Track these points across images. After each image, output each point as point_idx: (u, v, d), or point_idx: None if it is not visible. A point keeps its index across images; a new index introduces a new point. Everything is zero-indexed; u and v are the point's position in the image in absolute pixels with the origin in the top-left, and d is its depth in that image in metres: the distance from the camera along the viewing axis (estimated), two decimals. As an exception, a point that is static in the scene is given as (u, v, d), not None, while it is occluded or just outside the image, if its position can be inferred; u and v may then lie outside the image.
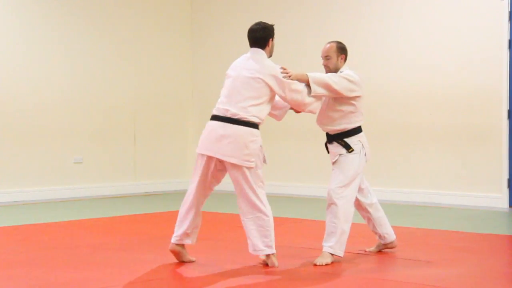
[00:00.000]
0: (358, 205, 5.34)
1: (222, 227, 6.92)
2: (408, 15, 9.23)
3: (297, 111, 5.26)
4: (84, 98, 9.94)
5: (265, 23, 5.01)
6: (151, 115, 10.73)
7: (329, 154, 5.33)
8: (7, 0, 9.27)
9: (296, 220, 7.39)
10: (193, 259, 5.06)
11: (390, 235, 5.45)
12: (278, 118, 5.27)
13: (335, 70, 5.21)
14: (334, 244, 5.02)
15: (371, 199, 5.38)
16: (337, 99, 5.13)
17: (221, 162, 4.89)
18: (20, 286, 4.41)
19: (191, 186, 4.99)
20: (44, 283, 4.46)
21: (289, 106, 5.20)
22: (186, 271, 4.83)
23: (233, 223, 7.07)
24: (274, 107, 5.13)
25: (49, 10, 9.63)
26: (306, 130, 9.56)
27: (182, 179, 10.97)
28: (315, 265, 4.96)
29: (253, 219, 4.85)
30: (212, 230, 6.58)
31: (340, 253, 5.05)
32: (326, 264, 4.96)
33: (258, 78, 4.86)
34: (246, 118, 4.82)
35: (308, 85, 5.00)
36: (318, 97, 5.08)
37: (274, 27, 5.07)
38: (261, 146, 4.91)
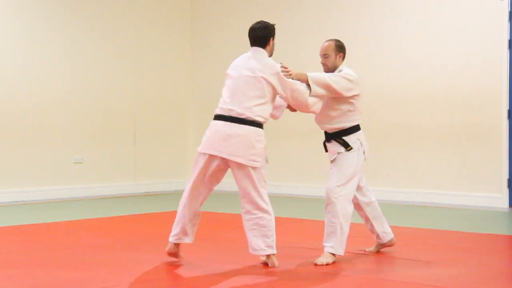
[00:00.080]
0: (356, 204, 5.33)
1: (222, 227, 6.92)
2: (408, 15, 9.23)
3: (292, 110, 5.26)
4: (84, 98, 9.94)
5: (266, 22, 5.01)
6: (151, 115, 10.73)
7: (327, 153, 5.33)
8: (7, 0, 9.27)
9: (296, 220, 7.38)
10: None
11: (388, 234, 5.44)
12: (276, 117, 5.26)
13: (334, 68, 5.21)
14: (334, 244, 5.02)
15: (369, 197, 5.37)
16: (335, 97, 5.13)
17: (225, 161, 4.88)
18: (20, 286, 4.41)
19: (188, 185, 5.00)
20: (44, 283, 4.46)
21: (286, 105, 5.20)
22: (186, 271, 4.82)
23: (233, 223, 7.07)
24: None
25: (49, 10, 9.63)
26: (306, 130, 9.55)
27: (182, 179, 10.96)
28: (316, 264, 4.96)
29: (255, 218, 4.85)
30: (212, 230, 6.57)
31: (341, 252, 5.05)
32: (326, 264, 4.96)
33: (261, 77, 4.86)
34: (251, 118, 4.82)
35: (308, 85, 5.00)
36: (320, 97, 5.07)
37: (275, 26, 5.06)
38: (265, 146, 4.91)
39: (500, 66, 8.51)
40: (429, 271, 4.81)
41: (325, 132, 5.28)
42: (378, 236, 5.43)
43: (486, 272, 4.84)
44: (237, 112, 4.82)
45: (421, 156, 9.09)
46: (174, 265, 4.96)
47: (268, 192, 4.98)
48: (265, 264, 4.92)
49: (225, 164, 4.89)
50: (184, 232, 4.99)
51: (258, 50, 4.96)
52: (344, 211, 5.06)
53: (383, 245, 5.47)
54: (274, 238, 4.88)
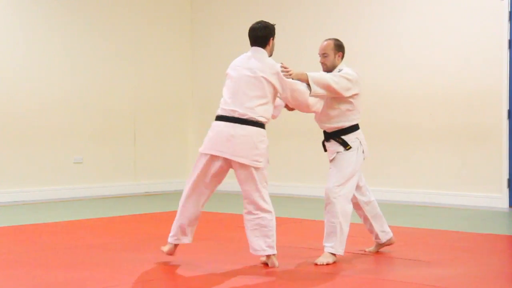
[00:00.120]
0: (356, 203, 5.32)
1: (222, 227, 6.92)
2: (408, 15, 9.23)
3: (290, 109, 5.26)
4: (84, 98, 9.94)
5: (266, 22, 5.01)
6: (151, 115, 10.73)
7: (326, 153, 5.32)
8: (7, 0, 9.27)
9: (296, 220, 7.38)
10: None
11: (387, 233, 5.44)
12: (274, 116, 5.26)
13: (332, 67, 5.20)
14: (334, 244, 5.02)
15: (368, 197, 5.37)
16: (335, 97, 5.12)
17: (227, 162, 4.87)
18: (20, 286, 4.41)
19: (187, 186, 4.99)
20: (44, 283, 4.46)
21: (284, 104, 5.20)
22: (186, 271, 4.82)
23: (233, 223, 7.07)
24: None
25: (49, 10, 9.63)
26: (306, 130, 9.55)
27: (182, 179, 10.96)
28: (316, 264, 4.96)
29: (257, 219, 4.85)
30: (212, 230, 6.57)
31: (341, 252, 5.05)
32: (327, 264, 4.96)
33: (262, 77, 4.85)
34: (254, 118, 4.83)
35: (308, 85, 4.99)
36: (320, 97, 5.07)
37: (275, 26, 5.06)
38: (267, 146, 4.92)
39: (500, 66, 8.51)
40: (429, 271, 4.81)
41: (324, 132, 5.28)
42: (376, 236, 5.43)
43: (486, 272, 4.84)
44: (239, 112, 4.82)
45: (421, 156, 9.09)
46: (174, 265, 4.96)
47: (268, 192, 4.98)
48: (265, 264, 4.92)
49: (228, 164, 4.89)
50: (183, 233, 5.00)
51: (258, 50, 4.96)
52: (344, 211, 5.06)
53: (382, 245, 5.47)
54: (274, 238, 4.88)
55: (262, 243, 4.84)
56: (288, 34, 9.94)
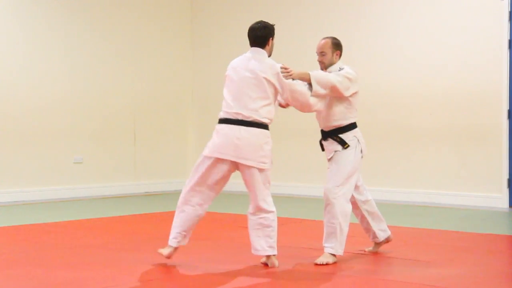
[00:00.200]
0: (353, 202, 5.29)
1: (222, 227, 6.92)
2: (408, 15, 9.24)
3: (283, 106, 5.25)
4: (84, 98, 9.94)
5: (265, 22, 5.00)
6: (151, 115, 10.73)
7: (324, 152, 5.31)
8: (7, 0, 9.27)
9: (296, 220, 7.39)
10: None
11: (385, 231, 5.43)
12: None
13: (330, 66, 5.20)
14: (334, 245, 5.02)
15: (366, 196, 5.36)
16: (334, 96, 5.10)
17: (234, 164, 4.87)
18: (20, 286, 4.41)
19: (186, 189, 4.96)
20: (44, 283, 4.46)
21: (278, 102, 5.19)
22: (186, 271, 4.82)
23: (233, 223, 7.07)
24: None
25: (49, 10, 9.63)
26: (306, 130, 9.55)
27: (182, 179, 10.96)
28: (316, 264, 4.96)
29: (259, 219, 4.87)
30: (212, 230, 6.57)
31: (340, 252, 5.05)
32: (327, 263, 4.96)
33: (263, 78, 4.84)
34: (258, 120, 4.83)
35: (310, 84, 4.98)
36: (321, 97, 5.05)
37: (275, 26, 5.05)
38: (271, 147, 4.93)
39: (500, 66, 8.51)
40: (429, 271, 4.81)
41: (322, 130, 5.27)
42: (374, 235, 5.41)
43: (486, 272, 4.83)
44: (243, 115, 4.81)
45: (421, 156, 9.09)
46: (174, 265, 4.96)
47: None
48: (265, 265, 4.92)
49: (234, 167, 4.89)
50: (185, 236, 4.97)
51: (258, 50, 4.94)
52: (343, 212, 5.05)
53: (381, 243, 5.46)
54: (276, 238, 4.90)
55: (263, 243, 4.85)
56: (288, 34, 9.94)
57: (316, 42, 5.29)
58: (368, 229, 5.42)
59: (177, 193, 10.60)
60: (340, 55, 5.24)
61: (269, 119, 4.89)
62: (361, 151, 5.18)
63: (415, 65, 9.12)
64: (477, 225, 7.11)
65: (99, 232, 6.65)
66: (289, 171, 10.08)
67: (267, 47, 4.98)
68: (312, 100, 5.00)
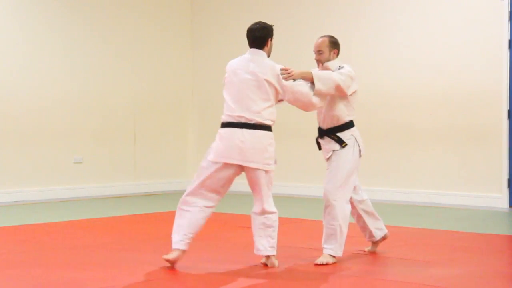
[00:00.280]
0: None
1: (222, 227, 6.92)
2: (408, 15, 9.24)
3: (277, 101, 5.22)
4: (84, 98, 9.95)
5: (264, 22, 4.98)
6: (151, 115, 10.73)
7: (321, 151, 5.30)
8: (7, 0, 9.27)
9: (296, 220, 7.38)
10: None
11: (381, 229, 5.42)
12: None
13: (326, 62, 5.18)
14: (334, 246, 5.01)
15: (361, 196, 5.35)
16: (333, 94, 5.08)
17: (239, 167, 4.87)
18: (20, 286, 4.41)
19: (189, 191, 4.91)
20: (44, 283, 4.46)
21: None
22: (186, 271, 4.82)
23: (233, 223, 7.07)
24: None
25: (49, 10, 9.63)
26: (306, 130, 9.54)
27: (182, 179, 10.97)
28: (316, 264, 4.96)
29: (263, 219, 4.89)
30: (212, 230, 6.57)
31: (340, 253, 5.05)
32: (326, 263, 4.96)
33: (264, 79, 4.83)
34: (262, 122, 4.82)
35: (312, 83, 4.96)
36: (324, 95, 5.02)
37: (274, 27, 5.05)
38: (274, 148, 4.93)
39: (500, 66, 8.51)
40: (429, 271, 4.81)
41: (319, 128, 5.25)
42: (370, 234, 5.40)
43: (486, 272, 4.83)
44: (246, 118, 4.80)
45: (421, 156, 9.09)
46: (174, 265, 4.95)
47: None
48: (265, 265, 4.92)
49: (240, 169, 4.89)
50: (192, 238, 4.94)
51: (258, 52, 4.92)
52: (343, 213, 5.04)
53: (378, 242, 5.46)
54: (276, 239, 4.92)
55: (265, 242, 4.87)
56: (288, 34, 9.94)
57: (317, 42, 5.28)
58: (364, 228, 5.40)
59: (177, 193, 10.59)
60: (338, 54, 5.23)
61: (271, 120, 4.90)
62: (359, 150, 5.17)
63: (415, 65, 9.12)
64: (477, 225, 7.10)
65: (99, 232, 6.65)
66: (289, 171, 10.08)
67: (266, 48, 4.96)
68: (315, 99, 4.97)
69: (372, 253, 5.45)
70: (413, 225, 7.03)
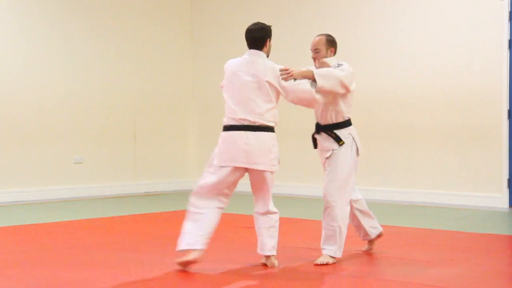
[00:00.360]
0: None
1: (222, 227, 6.89)
2: (408, 15, 9.24)
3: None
4: (84, 98, 9.95)
5: (263, 23, 4.97)
6: (151, 115, 10.74)
7: (317, 151, 5.28)
8: (7, 1, 9.27)
9: (296, 220, 7.38)
10: None
11: (376, 228, 5.41)
12: None
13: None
14: (334, 247, 5.01)
15: (356, 195, 5.34)
16: (333, 92, 5.06)
17: (245, 169, 4.86)
18: (20, 286, 4.41)
19: (199, 194, 4.86)
20: (44, 283, 4.46)
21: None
22: (186, 271, 4.82)
23: (233, 223, 7.06)
24: None
25: (49, 10, 9.63)
26: (306, 130, 9.52)
27: (182, 179, 10.97)
28: (316, 264, 4.96)
29: (267, 219, 4.91)
30: (212, 230, 6.56)
31: (339, 254, 5.05)
32: (326, 263, 4.96)
33: (266, 81, 4.83)
34: (265, 124, 4.83)
35: (313, 81, 4.94)
36: (326, 92, 4.99)
37: (273, 27, 5.04)
38: (277, 148, 4.93)
39: (500, 66, 8.51)
40: (429, 271, 4.81)
41: (317, 124, 5.24)
42: (365, 233, 5.39)
43: (486, 272, 4.83)
44: (249, 120, 4.80)
45: (421, 156, 9.09)
46: (174, 265, 4.95)
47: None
48: (265, 265, 4.92)
49: (245, 172, 4.88)
50: (209, 238, 4.88)
51: (257, 53, 4.90)
52: (343, 214, 5.04)
53: (373, 241, 5.45)
54: (277, 239, 4.93)
55: (268, 242, 4.88)
56: (288, 34, 9.94)
57: (316, 42, 5.27)
58: (359, 227, 5.39)
59: (177, 193, 10.61)
60: (335, 52, 5.21)
61: (274, 122, 4.91)
62: (357, 149, 5.15)
63: (415, 65, 9.12)
64: (477, 225, 7.10)
65: (99, 232, 6.65)
66: (289, 171, 10.08)
67: (265, 49, 4.94)
68: (318, 96, 4.95)
69: (368, 253, 5.42)
70: (413, 225, 7.03)
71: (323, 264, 4.95)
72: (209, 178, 4.85)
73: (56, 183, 9.66)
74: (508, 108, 8.49)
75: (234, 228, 6.69)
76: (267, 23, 5.03)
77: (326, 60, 5.13)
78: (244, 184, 5.07)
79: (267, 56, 4.97)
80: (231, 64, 4.96)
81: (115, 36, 10.32)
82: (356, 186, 5.40)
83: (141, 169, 10.60)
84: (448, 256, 5.36)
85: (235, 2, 10.86)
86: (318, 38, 5.20)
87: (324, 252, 5.03)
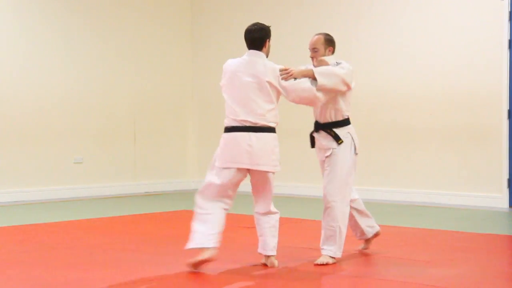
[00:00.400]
0: None
1: (222, 227, 6.91)
2: (408, 15, 9.23)
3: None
4: (84, 98, 9.95)
5: (262, 23, 4.96)
6: (151, 115, 10.73)
7: (315, 150, 5.28)
8: (7, 1, 9.27)
9: (296, 220, 7.38)
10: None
11: (373, 227, 5.40)
12: None
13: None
14: (333, 248, 5.00)
15: (353, 195, 5.32)
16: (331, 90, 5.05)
17: (247, 170, 4.86)
18: (20, 286, 4.41)
19: (205, 196, 4.84)
20: (44, 283, 4.46)
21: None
22: (186, 271, 4.82)
23: (233, 223, 7.05)
24: None
25: (49, 10, 9.63)
26: (306, 130, 9.52)
27: (182, 179, 10.97)
28: (316, 264, 4.96)
29: (268, 219, 4.92)
30: (212, 230, 6.56)
31: (339, 255, 5.04)
32: (326, 263, 4.96)
33: (267, 81, 4.82)
34: (266, 124, 4.84)
35: (313, 79, 4.93)
36: (327, 90, 4.98)
37: (273, 27, 5.03)
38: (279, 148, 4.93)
39: (500, 66, 8.51)
40: (429, 271, 4.81)
41: (316, 122, 5.22)
42: (362, 232, 5.38)
43: (486, 272, 4.83)
44: (251, 121, 4.79)
45: (421, 156, 9.09)
46: (174, 265, 4.96)
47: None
48: (265, 265, 4.92)
49: (247, 173, 4.88)
50: (220, 236, 4.86)
51: (257, 53, 4.90)
52: (343, 215, 5.04)
53: (370, 240, 5.45)
54: (277, 239, 4.93)
55: (270, 242, 4.89)
56: (288, 34, 9.94)
57: (316, 42, 5.27)
58: (356, 226, 5.39)
59: (177, 193, 10.60)
60: (333, 51, 5.20)
61: (275, 122, 4.92)
62: (355, 148, 5.15)
63: (415, 65, 9.12)
64: (477, 225, 7.10)
65: (99, 232, 6.65)
66: (289, 171, 10.07)
67: (265, 49, 4.93)
68: (319, 94, 4.93)
69: (364, 252, 5.41)
70: (413, 225, 7.03)
71: (323, 264, 4.95)
72: (213, 180, 4.84)
73: (56, 183, 9.66)
74: (508, 108, 8.49)
75: (234, 228, 6.69)
76: (267, 23, 5.02)
77: (325, 58, 5.12)
78: (244, 184, 5.06)
79: (267, 57, 4.97)
80: (231, 64, 4.94)
81: (115, 36, 10.32)
82: (354, 186, 5.40)
83: (141, 169, 10.60)
84: (448, 256, 5.36)
85: (235, 2, 10.86)
86: (316, 37, 5.20)
87: (323, 252, 5.03)
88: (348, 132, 5.12)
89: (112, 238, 6.27)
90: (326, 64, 5.06)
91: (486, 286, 4.46)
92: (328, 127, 5.12)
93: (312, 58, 5.20)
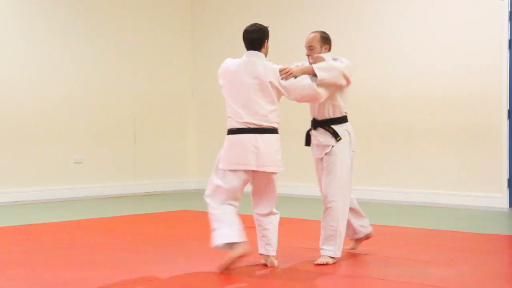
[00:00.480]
0: None
1: (222, 227, 6.90)
2: (408, 15, 9.24)
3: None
4: (84, 98, 9.95)
5: (260, 24, 4.95)
6: (151, 115, 10.73)
7: (310, 146, 5.27)
8: (7, 1, 9.27)
9: (296, 220, 7.38)
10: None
11: (366, 227, 5.38)
12: None
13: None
14: (333, 248, 5.00)
15: None
16: (330, 86, 5.04)
17: (253, 172, 4.85)
18: (20, 286, 4.41)
19: (216, 199, 4.82)
20: (44, 283, 4.46)
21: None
22: (186, 271, 4.82)
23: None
24: None
25: (49, 10, 9.64)
26: (305, 129, 9.53)
27: (182, 179, 10.96)
28: (316, 264, 4.95)
29: (270, 220, 4.92)
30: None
31: (339, 254, 5.04)
32: (326, 263, 4.96)
33: (268, 82, 4.82)
34: (270, 125, 4.85)
35: (313, 75, 4.92)
36: (327, 84, 4.96)
37: (273, 27, 5.03)
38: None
39: (500, 66, 8.51)
40: (429, 271, 4.81)
41: (314, 120, 5.21)
42: (354, 231, 5.35)
43: (486, 272, 4.83)
44: (255, 123, 4.80)
45: (421, 156, 9.08)
46: (174, 265, 4.96)
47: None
48: (265, 265, 4.92)
49: (252, 174, 4.87)
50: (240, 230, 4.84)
51: (257, 54, 4.89)
52: (343, 214, 5.04)
53: (361, 240, 5.43)
54: (277, 240, 4.94)
55: (273, 243, 4.90)
56: (288, 34, 9.94)
57: (317, 42, 5.27)
58: (348, 225, 5.33)
59: (177, 193, 10.59)
60: (329, 49, 5.20)
61: (277, 123, 4.92)
62: (352, 146, 5.14)
63: (415, 65, 9.12)
64: (477, 225, 7.10)
65: (99, 232, 6.65)
66: (289, 171, 10.04)
67: (263, 50, 4.92)
68: (321, 89, 4.92)
69: (353, 253, 5.37)
70: (413, 225, 7.03)
71: (323, 264, 4.95)
72: (221, 184, 4.82)
73: (56, 183, 9.66)
74: (508, 108, 8.49)
75: (234, 228, 6.67)
76: (267, 23, 5.02)
77: (321, 55, 5.11)
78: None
79: (265, 57, 4.96)
80: (231, 65, 4.92)
81: (115, 36, 10.32)
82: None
83: (141, 169, 10.60)
84: (448, 256, 5.36)
85: (235, 2, 10.86)
86: (312, 35, 5.20)
87: (323, 252, 5.03)
88: (346, 130, 5.11)
89: (112, 238, 6.27)
90: (323, 60, 5.05)
91: (486, 286, 4.45)
92: (326, 124, 5.11)
93: (308, 56, 5.18)
